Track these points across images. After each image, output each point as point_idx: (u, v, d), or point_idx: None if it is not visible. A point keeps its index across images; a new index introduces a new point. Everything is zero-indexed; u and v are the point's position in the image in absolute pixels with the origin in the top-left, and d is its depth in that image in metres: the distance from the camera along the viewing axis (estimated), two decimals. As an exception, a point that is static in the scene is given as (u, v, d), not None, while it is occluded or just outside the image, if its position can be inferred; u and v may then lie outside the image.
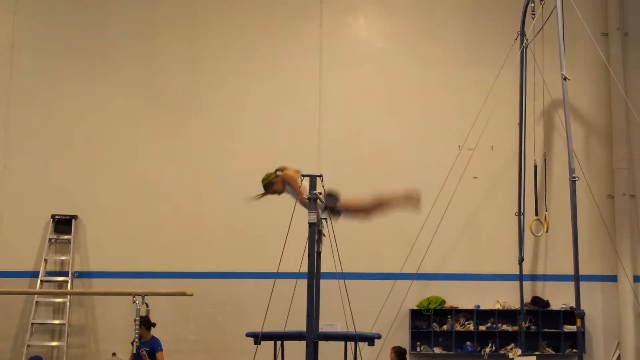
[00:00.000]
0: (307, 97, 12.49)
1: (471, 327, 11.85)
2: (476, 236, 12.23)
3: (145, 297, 9.19)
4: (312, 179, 7.39)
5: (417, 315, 11.90)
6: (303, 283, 7.35)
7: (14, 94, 12.49)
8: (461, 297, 12.04)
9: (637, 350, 11.75)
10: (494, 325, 11.86)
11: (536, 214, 11.84)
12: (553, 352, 11.81)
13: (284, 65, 12.70)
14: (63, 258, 12.10)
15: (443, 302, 11.97)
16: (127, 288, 9.93)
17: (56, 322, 11.92)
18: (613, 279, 11.99)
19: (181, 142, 12.47)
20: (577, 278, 8.91)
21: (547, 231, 11.66)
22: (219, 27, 12.75)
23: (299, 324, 7.66)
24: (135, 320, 9.07)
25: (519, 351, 11.49)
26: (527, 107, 12.01)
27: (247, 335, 8.46)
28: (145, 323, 9.57)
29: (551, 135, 12.45)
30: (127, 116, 12.52)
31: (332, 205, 7.66)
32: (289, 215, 7.40)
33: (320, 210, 7.38)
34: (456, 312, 11.93)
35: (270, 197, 11.93)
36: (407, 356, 10.75)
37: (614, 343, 11.93)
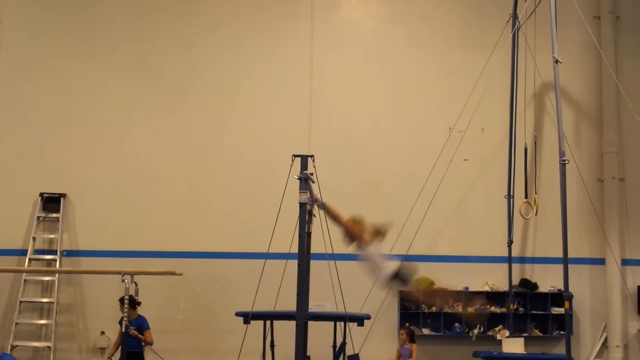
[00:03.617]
0: (299, 77, 12.43)
1: (460, 309, 11.89)
2: (466, 218, 12.25)
3: (135, 276, 9.18)
4: (303, 159, 7.39)
5: (406, 297, 11.93)
6: (293, 263, 7.38)
7: (3, 72, 12.38)
8: (450, 278, 12.04)
9: (624, 333, 11.83)
10: (483, 307, 11.91)
11: (526, 197, 11.87)
12: (541, 334, 11.87)
13: (275, 46, 12.63)
14: (52, 236, 12.07)
15: (432, 283, 11.99)
16: (116, 267, 9.91)
17: (44, 300, 11.90)
18: (601, 262, 12.04)
19: (173, 122, 12.42)
20: (565, 261, 8.93)
21: (536, 214, 11.69)
22: (213, 7, 12.65)
23: (289, 304, 7.68)
24: (123, 299, 9.07)
25: (507, 333, 11.56)
26: (518, 89, 12.00)
27: (237, 314, 8.50)
28: (130, 302, 9.55)
29: (542, 118, 12.45)
30: (119, 95, 12.45)
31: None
32: (279, 196, 7.39)
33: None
34: (445, 294, 11.96)
35: (262, 176, 12.02)
36: (397, 336, 10.89)
37: (602, 325, 11.99)
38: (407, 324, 11.72)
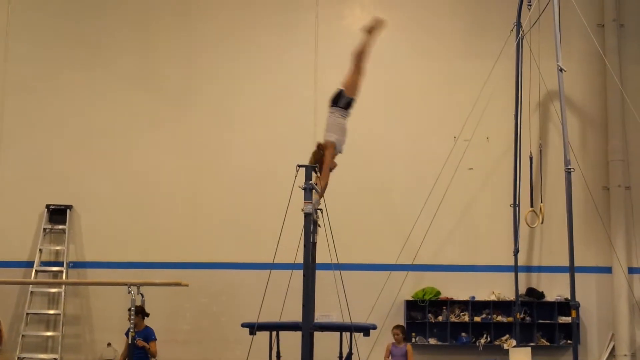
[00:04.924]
0: (303, 88, 12.45)
1: (466, 318, 11.87)
2: (471, 227, 12.24)
3: (141, 287, 9.17)
4: (308, 169, 7.39)
5: (413, 306, 11.91)
6: (298, 274, 7.35)
7: (8, 83, 12.44)
8: (456, 288, 12.06)
9: (631, 341, 11.79)
10: (489, 317, 11.88)
11: (531, 206, 11.83)
12: (548, 343, 11.84)
13: (280, 56, 12.66)
14: (58, 248, 12.08)
15: (438, 293, 11.98)
16: (122, 278, 9.91)
17: (51, 312, 11.91)
18: (608, 270, 12.02)
19: (177, 133, 12.45)
20: (572, 269, 8.92)
21: (542, 222, 11.66)
22: (216, 17, 12.71)
23: (295, 315, 7.66)
24: (129, 310, 9.07)
25: (514, 342, 11.51)
26: (523, 98, 11.99)
27: (243, 325, 8.47)
28: (140, 312, 9.57)
29: (547, 127, 12.45)
30: (123, 106, 12.48)
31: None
32: (284, 206, 7.38)
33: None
34: (451, 303, 11.94)
35: (266, 186, 12.01)
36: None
37: (609, 334, 11.96)
38: (413, 334, 11.71)
